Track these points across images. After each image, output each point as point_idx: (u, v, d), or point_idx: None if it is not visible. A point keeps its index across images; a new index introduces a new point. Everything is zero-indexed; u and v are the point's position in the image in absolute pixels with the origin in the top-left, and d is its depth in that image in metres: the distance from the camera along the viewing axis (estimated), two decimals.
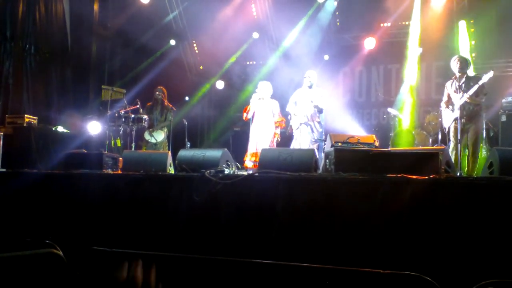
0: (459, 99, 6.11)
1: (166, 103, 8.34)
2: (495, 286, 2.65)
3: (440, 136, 7.00)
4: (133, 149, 7.85)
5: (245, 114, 7.19)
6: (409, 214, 3.33)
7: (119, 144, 8.46)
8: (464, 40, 9.37)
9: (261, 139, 7.07)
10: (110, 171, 4.95)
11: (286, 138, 7.55)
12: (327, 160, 4.64)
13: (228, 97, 11.62)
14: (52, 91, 9.45)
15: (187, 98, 11.69)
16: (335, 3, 10.52)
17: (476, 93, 6.13)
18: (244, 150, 7.29)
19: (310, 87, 7.14)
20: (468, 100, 6.13)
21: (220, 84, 11.69)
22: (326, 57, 10.74)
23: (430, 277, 2.89)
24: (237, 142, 9.58)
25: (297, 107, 7.12)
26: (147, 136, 8.09)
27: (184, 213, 3.97)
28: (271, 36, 11.36)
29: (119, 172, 5.00)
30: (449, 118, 6.45)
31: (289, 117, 7.29)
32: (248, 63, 12.02)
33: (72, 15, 10.02)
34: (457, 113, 6.22)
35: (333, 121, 8.46)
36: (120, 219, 4.15)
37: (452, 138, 6.35)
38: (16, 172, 4.92)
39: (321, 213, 3.58)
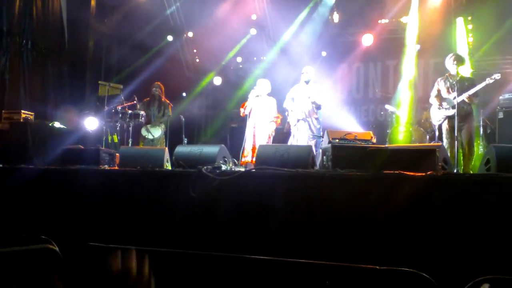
0: (456, 98, 6.09)
1: (163, 99, 8.33)
2: (491, 282, 2.66)
3: (437, 133, 7.02)
4: (130, 145, 7.84)
5: (242, 110, 7.19)
6: (406, 211, 3.34)
7: (116, 140, 8.44)
8: (462, 37, 9.37)
9: (258, 136, 7.06)
10: (107, 167, 4.94)
11: (283, 134, 7.55)
12: (324, 157, 4.64)
13: (225, 93, 11.59)
14: (48, 87, 9.42)
15: (184, 94, 11.66)
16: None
17: (474, 94, 6.16)
18: (242, 146, 7.28)
19: (307, 82, 7.13)
20: (466, 100, 6.14)
21: (217, 80, 11.68)
22: (324, 53, 10.74)
23: (426, 273, 2.90)
24: (234, 138, 9.57)
25: (295, 103, 7.11)
26: (144, 132, 8.08)
27: (181, 209, 3.97)
28: (269, 32, 11.34)
29: (116, 168, 4.99)
30: (439, 115, 6.45)
31: (286, 113, 7.28)
32: (245, 59, 11.98)
33: (69, 10, 9.98)
34: (450, 112, 6.23)
35: (331, 118, 8.45)
36: (117, 215, 4.14)
37: (446, 136, 6.36)
38: (13, 167, 4.90)
39: (318, 210, 3.58)
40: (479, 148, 7.99)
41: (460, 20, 9.42)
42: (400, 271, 2.98)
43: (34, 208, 4.41)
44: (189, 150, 4.55)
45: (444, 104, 6.37)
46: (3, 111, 7.72)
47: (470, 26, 9.47)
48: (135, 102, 8.22)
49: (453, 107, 6.13)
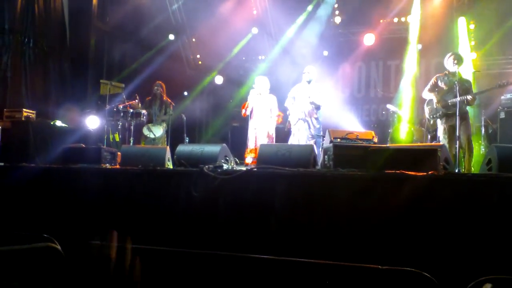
0: (458, 97, 6.06)
1: (165, 98, 8.33)
2: (493, 282, 2.65)
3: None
4: (131, 143, 7.84)
5: (243, 111, 7.16)
6: (407, 210, 3.33)
7: (117, 139, 8.44)
8: (464, 37, 9.35)
9: (260, 135, 7.06)
10: (108, 165, 4.94)
11: (284, 133, 7.54)
12: (326, 156, 4.64)
13: (227, 92, 11.58)
14: (50, 85, 9.41)
15: (185, 93, 11.65)
16: None
17: (474, 96, 6.16)
18: (243, 145, 7.27)
19: (309, 82, 7.12)
20: (469, 100, 6.12)
21: (219, 79, 11.66)
22: (325, 52, 10.72)
23: (428, 273, 2.90)
24: (235, 137, 9.57)
25: (295, 102, 7.10)
26: (145, 131, 8.09)
27: (183, 208, 3.97)
28: (270, 31, 11.32)
29: (117, 167, 4.99)
30: (435, 111, 6.44)
31: (287, 112, 7.27)
32: (247, 58, 11.97)
33: (71, 8, 9.98)
34: (450, 110, 6.21)
35: (332, 117, 8.44)
36: (118, 214, 4.15)
37: (444, 136, 6.33)
38: (14, 166, 4.91)
39: (320, 209, 3.58)
40: (480, 148, 7.97)
41: (462, 20, 9.40)
42: (402, 270, 2.97)
43: (36, 207, 4.42)
44: (191, 149, 4.55)
45: (442, 102, 6.34)
46: (4, 109, 7.72)
47: (472, 26, 9.46)
48: (136, 101, 8.23)
49: (453, 106, 6.10)
